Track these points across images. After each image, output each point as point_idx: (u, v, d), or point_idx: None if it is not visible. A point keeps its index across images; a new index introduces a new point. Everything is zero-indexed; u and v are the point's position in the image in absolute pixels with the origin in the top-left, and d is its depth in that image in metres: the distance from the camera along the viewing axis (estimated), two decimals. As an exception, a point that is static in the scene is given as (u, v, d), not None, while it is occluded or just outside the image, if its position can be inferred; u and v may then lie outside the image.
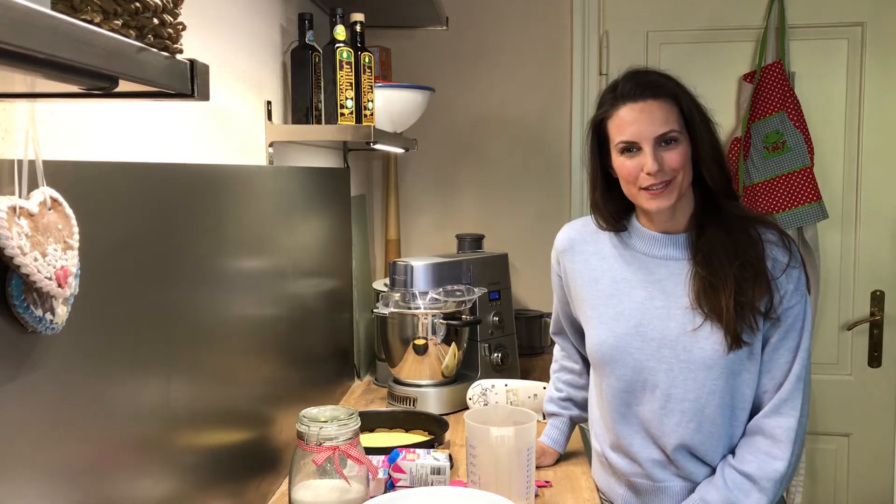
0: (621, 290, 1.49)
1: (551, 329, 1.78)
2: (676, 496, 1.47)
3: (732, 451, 1.45)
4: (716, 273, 1.39)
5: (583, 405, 1.71)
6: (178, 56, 0.71)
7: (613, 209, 1.51)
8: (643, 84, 1.40)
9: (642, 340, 1.44)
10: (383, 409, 2.04)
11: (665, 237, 1.48)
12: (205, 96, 0.74)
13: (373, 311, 2.26)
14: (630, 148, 1.40)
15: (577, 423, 1.74)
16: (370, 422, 1.83)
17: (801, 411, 1.39)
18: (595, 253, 1.55)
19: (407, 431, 1.85)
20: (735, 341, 1.37)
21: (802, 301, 1.41)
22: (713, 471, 1.45)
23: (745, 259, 1.39)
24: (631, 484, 1.52)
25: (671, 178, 1.39)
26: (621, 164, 1.42)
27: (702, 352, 1.40)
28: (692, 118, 1.40)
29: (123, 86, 0.67)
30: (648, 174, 1.38)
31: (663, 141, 1.39)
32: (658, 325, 1.43)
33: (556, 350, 1.79)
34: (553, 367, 1.79)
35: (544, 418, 1.94)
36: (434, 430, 1.82)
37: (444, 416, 1.89)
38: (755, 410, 1.43)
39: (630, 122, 1.39)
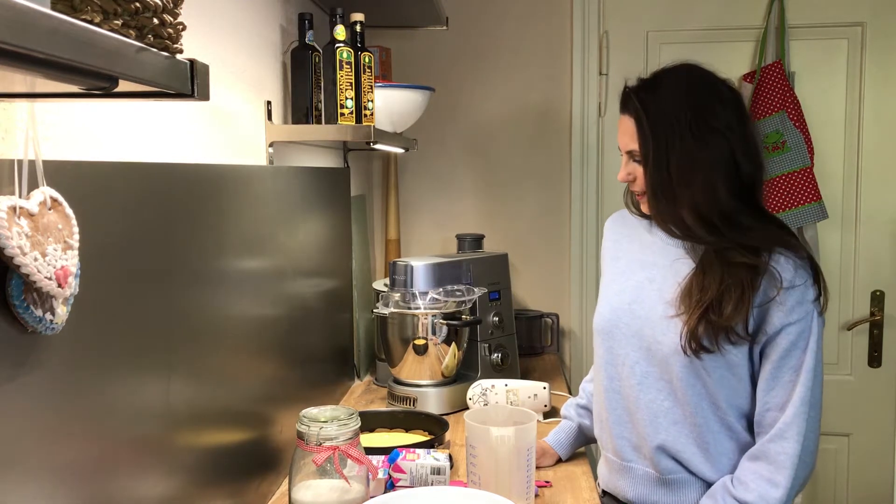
0: (631, 269, 1.54)
1: None
2: (639, 479, 1.49)
3: (720, 466, 1.42)
4: (702, 282, 1.38)
5: None
6: (178, 56, 0.71)
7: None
8: (623, 95, 1.46)
9: (631, 317, 1.48)
10: (383, 409, 2.04)
11: None
12: (205, 96, 0.74)
13: (373, 311, 2.26)
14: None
15: (587, 434, 1.72)
16: (370, 422, 1.83)
17: (805, 436, 1.34)
18: (627, 235, 1.61)
19: (407, 431, 1.85)
20: (690, 347, 1.36)
21: (806, 319, 1.36)
22: (682, 470, 1.44)
23: (734, 282, 1.35)
24: (606, 460, 1.57)
25: (641, 192, 1.46)
26: None
27: (674, 337, 1.39)
28: (646, 141, 1.40)
29: (123, 86, 0.67)
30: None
31: (633, 156, 1.45)
32: (648, 305, 1.46)
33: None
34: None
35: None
36: (434, 430, 1.82)
37: (444, 416, 1.89)
38: (759, 424, 1.40)
39: (619, 131, 1.48)
